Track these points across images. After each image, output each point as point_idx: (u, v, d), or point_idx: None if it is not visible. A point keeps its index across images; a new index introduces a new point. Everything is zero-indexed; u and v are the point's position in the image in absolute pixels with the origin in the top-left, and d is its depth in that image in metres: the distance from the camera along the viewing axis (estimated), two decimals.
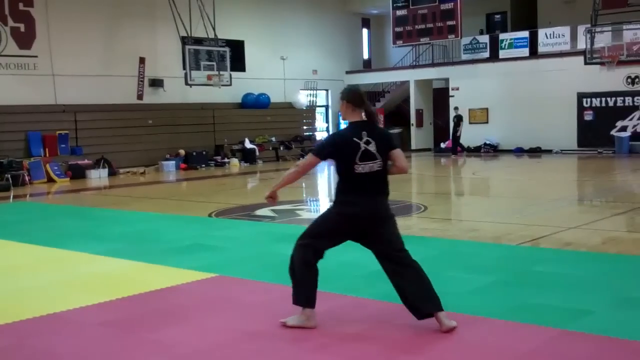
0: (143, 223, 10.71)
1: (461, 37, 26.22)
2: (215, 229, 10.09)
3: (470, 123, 26.82)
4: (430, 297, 4.88)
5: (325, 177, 19.99)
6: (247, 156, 24.53)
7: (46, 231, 10.23)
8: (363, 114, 5.07)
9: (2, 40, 19.92)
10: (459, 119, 24.98)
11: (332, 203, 5.25)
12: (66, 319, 5.53)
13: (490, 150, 26.08)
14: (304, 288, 5.10)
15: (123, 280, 6.86)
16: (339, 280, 6.45)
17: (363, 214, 4.98)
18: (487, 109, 26.57)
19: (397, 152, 5.06)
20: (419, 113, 28.65)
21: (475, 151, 26.31)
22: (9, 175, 17.87)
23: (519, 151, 25.40)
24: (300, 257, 5.13)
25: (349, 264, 7.13)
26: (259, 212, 11.64)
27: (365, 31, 31.40)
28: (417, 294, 4.91)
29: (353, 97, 5.07)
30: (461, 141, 25.84)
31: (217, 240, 8.87)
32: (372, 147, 4.94)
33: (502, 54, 26.30)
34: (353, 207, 4.99)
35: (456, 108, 25.77)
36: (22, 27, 20.33)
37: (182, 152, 23.15)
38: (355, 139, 4.94)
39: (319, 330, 5.00)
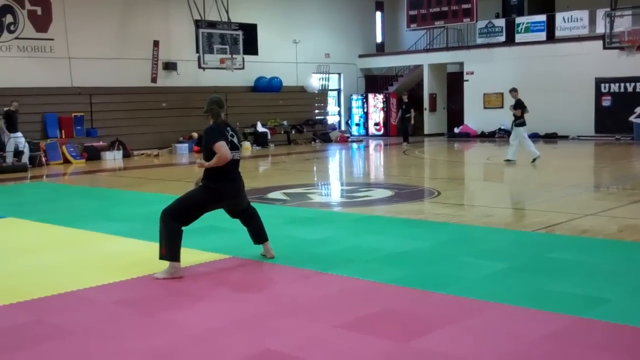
0: (158, 204, 10.58)
1: (476, 21, 25.99)
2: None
3: (485, 108, 26.70)
4: (263, 233, 6.86)
5: (336, 161, 19.99)
6: (259, 139, 24.54)
7: (63, 211, 10.31)
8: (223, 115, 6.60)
9: (19, 23, 19.99)
10: (407, 107, 24.59)
11: (202, 186, 6.47)
12: (82, 297, 5.59)
13: (505, 136, 25.86)
14: (173, 247, 6.19)
15: (138, 260, 6.91)
16: (351, 264, 6.47)
17: (231, 191, 6.49)
18: (502, 93, 26.32)
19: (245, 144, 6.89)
20: (433, 97, 28.53)
21: (490, 136, 26.17)
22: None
23: (534, 137, 25.13)
24: (170, 225, 6.25)
25: (362, 248, 7.15)
26: (271, 195, 11.66)
27: (378, 14, 31.21)
28: (257, 230, 6.85)
29: (219, 104, 6.57)
30: (473, 125, 25.67)
31: (231, 222, 8.83)
32: (235, 140, 6.54)
33: (519, 38, 26.05)
34: (224, 188, 6.40)
35: (404, 94, 25.50)
36: (39, 10, 20.38)
37: (195, 134, 23.14)
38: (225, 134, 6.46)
39: (332, 312, 5.03)
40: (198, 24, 21.63)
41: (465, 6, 25.44)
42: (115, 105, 21.59)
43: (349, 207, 10.19)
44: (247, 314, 5.06)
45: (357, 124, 29.36)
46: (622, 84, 23.60)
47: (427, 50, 28.59)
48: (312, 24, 27.81)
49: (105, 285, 5.90)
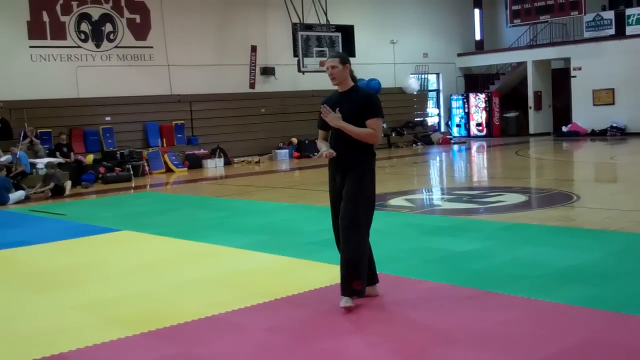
0: (277, 213, 10.18)
1: (585, 14, 24.61)
2: None
3: (594, 105, 25.20)
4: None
5: (446, 164, 19.05)
6: None
7: (180, 223, 9.84)
8: None
9: (119, 31, 19.94)
10: None
11: (364, 169, 5.15)
12: (228, 322, 4.96)
13: (618, 134, 24.38)
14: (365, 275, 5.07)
15: (275, 277, 6.29)
16: (519, 281, 5.65)
17: None
18: (612, 89, 24.84)
19: None
20: (537, 95, 27.16)
21: (601, 135, 24.66)
22: (130, 166, 17.83)
23: None
24: (368, 243, 5.09)
25: (524, 261, 6.32)
26: (393, 202, 10.89)
27: (477, 11, 30.03)
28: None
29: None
30: (582, 123, 24.39)
31: None
32: None
33: (630, 30, 24.47)
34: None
35: None
36: (137, 18, 20.33)
37: (294, 140, 22.70)
38: None
39: (521, 343, 4.22)
40: (296, 27, 21.15)
41: None
42: (215, 112, 21.39)
43: (487, 214, 9.31)
44: (419, 343, 4.33)
45: (457, 125, 28.24)
46: None
47: (530, 47, 27.24)
48: (409, 24, 26.96)
49: (250, 308, 5.26)
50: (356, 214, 4.98)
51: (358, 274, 4.96)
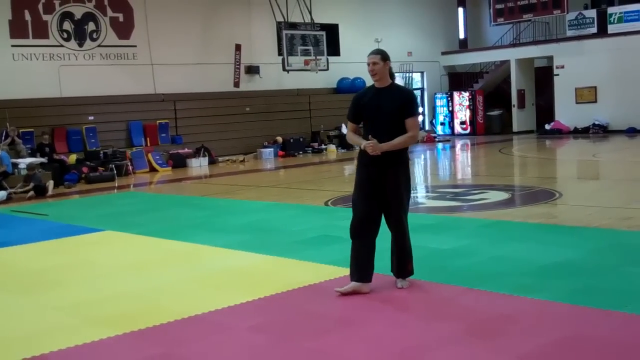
0: (260, 213, 10.18)
1: (567, 12, 24.77)
2: (338, 218, 9.39)
3: (577, 103, 25.37)
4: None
5: (431, 162, 19.11)
6: (344, 142, 23.81)
7: (164, 222, 9.81)
8: None
9: (102, 30, 19.83)
10: None
11: (404, 170, 5.46)
12: (210, 322, 4.95)
13: (600, 131, 24.55)
14: None
15: (259, 276, 6.29)
16: (503, 278, 5.68)
17: None
18: (595, 87, 25.00)
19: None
20: (521, 94, 27.30)
21: (583, 132, 24.83)
22: (113, 165, 17.74)
23: (631, 131, 23.78)
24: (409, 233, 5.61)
25: (508, 259, 6.35)
26: None
27: (461, 10, 30.15)
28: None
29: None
30: (565, 121, 24.43)
31: (344, 231, 8.16)
32: None
33: (611, 28, 24.63)
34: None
35: None
36: (120, 17, 20.22)
37: (279, 139, 22.70)
38: None
39: (506, 339, 4.25)
40: (280, 25, 21.15)
41: None
42: (199, 112, 21.34)
43: (470, 212, 9.37)
44: (403, 341, 4.35)
45: (442, 123, 28.35)
46: None
47: (513, 45, 27.38)
48: (393, 22, 27.01)
49: (232, 308, 5.26)
50: (403, 209, 5.47)
51: (410, 256, 5.57)
